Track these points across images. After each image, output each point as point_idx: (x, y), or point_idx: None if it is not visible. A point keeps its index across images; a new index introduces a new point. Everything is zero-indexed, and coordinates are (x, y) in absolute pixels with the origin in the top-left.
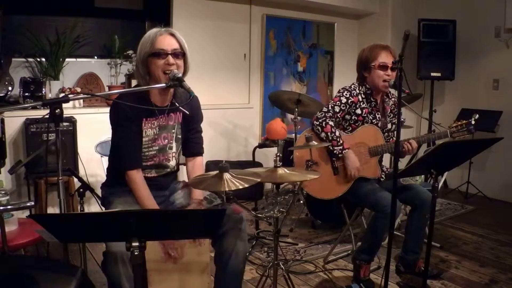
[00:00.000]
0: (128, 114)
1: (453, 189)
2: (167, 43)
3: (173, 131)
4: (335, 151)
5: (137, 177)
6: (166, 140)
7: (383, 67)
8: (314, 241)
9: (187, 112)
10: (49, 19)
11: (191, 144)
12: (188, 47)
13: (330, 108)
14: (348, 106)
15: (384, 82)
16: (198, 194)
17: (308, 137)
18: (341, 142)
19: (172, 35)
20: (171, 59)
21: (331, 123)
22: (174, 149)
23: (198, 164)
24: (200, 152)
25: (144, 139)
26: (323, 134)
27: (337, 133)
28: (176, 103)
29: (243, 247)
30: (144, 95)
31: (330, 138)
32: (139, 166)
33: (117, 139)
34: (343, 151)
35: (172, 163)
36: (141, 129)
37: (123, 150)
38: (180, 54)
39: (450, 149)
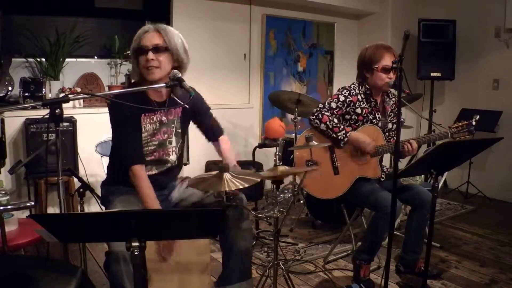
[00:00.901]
0: (126, 111)
1: (453, 189)
2: (149, 39)
3: (173, 125)
4: (339, 137)
5: (140, 172)
6: (166, 135)
7: (386, 69)
8: (314, 241)
9: (186, 106)
10: (49, 19)
11: (210, 130)
12: (188, 47)
13: (326, 104)
14: (346, 105)
15: (386, 83)
16: (230, 160)
17: (308, 137)
18: (342, 127)
19: (157, 31)
20: (150, 54)
21: (327, 113)
22: (174, 144)
23: (225, 141)
24: (220, 133)
25: (143, 135)
26: (322, 126)
27: (335, 120)
28: (175, 97)
29: (245, 245)
30: (142, 92)
31: (331, 126)
32: (142, 162)
33: (118, 137)
34: (347, 135)
35: (173, 157)
36: (140, 125)
37: (125, 147)
38: (162, 49)
39: (450, 149)
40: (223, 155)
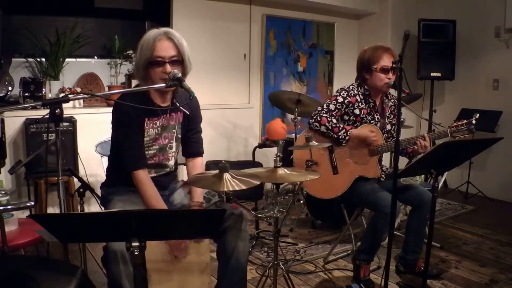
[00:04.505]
0: (130, 114)
1: (453, 189)
2: (165, 50)
3: (174, 130)
4: (340, 137)
5: (143, 176)
6: (167, 140)
7: (385, 70)
8: (314, 241)
9: (187, 112)
10: (49, 19)
11: (191, 144)
12: (188, 47)
13: (324, 106)
14: (344, 106)
15: (385, 84)
16: (198, 195)
17: (308, 137)
18: (341, 126)
19: (171, 39)
20: (168, 67)
21: (325, 115)
22: (174, 149)
23: (198, 165)
24: (200, 152)
25: (145, 139)
26: (322, 128)
27: (334, 121)
28: (177, 103)
29: (244, 247)
30: (145, 95)
31: (330, 127)
32: (144, 166)
33: (120, 140)
34: (348, 133)
35: (171, 162)
36: (143, 129)
37: (128, 151)
38: (179, 62)
39: (450, 149)
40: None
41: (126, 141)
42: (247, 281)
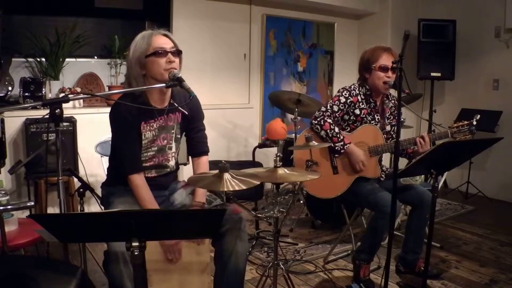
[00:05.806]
0: (127, 118)
1: (453, 189)
2: (164, 42)
3: (173, 131)
4: (336, 148)
5: (139, 181)
6: (165, 141)
7: (384, 68)
8: (314, 241)
9: (186, 112)
10: (49, 19)
11: (195, 144)
12: (188, 47)
13: (328, 107)
14: (347, 106)
15: (384, 83)
16: (200, 195)
17: (308, 137)
18: (341, 138)
19: (166, 35)
20: (172, 56)
21: (329, 120)
22: (173, 149)
23: (203, 164)
24: (205, 151)
25: (143, 142)
26: (322, 132)
27: (337, 130)
28: (175, 103)
29: (243, 247)
30: (142, 98)
31: (330, 135)
32: (140, 170)
33: (117, 143)
34: (345, 147)
35: (172, 163)
36: (140, 133)
37: (124, 155)
38: (177, 52)
39: (450, 149)
40: None
41: (122, 145)
42: (244, 282)
